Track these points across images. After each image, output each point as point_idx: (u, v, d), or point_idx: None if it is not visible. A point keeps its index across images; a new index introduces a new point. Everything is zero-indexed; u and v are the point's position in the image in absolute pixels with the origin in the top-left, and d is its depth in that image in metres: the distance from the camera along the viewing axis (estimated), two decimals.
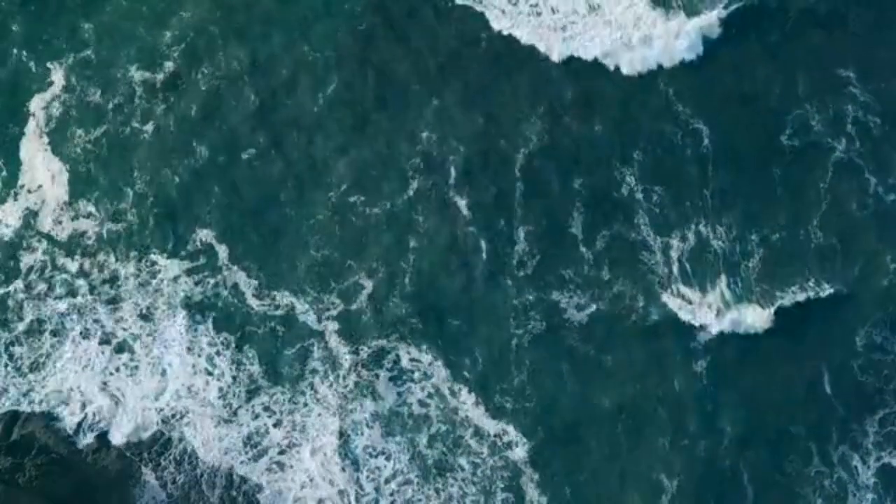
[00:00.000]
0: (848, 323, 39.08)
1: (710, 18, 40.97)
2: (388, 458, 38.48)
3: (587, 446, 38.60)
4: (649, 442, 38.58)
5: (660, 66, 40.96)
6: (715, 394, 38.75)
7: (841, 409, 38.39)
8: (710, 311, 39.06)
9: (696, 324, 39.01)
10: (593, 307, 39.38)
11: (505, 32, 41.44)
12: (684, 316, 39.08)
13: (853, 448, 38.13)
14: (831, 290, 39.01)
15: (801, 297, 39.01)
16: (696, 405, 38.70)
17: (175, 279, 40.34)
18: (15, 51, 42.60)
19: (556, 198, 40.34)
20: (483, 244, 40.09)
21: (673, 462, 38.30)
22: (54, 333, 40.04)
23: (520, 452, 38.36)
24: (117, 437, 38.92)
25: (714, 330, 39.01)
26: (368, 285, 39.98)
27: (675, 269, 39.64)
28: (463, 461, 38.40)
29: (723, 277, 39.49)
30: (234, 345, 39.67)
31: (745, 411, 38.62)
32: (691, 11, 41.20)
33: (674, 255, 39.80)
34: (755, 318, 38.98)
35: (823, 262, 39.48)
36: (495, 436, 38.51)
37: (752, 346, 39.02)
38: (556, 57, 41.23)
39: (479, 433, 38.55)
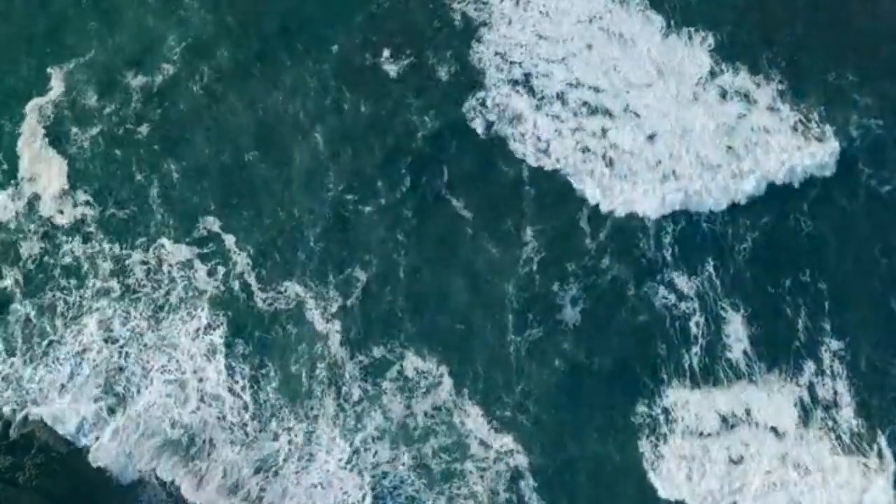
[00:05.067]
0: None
1: None
2: (393, 464, 38.60)
3: (585, 449, 38.69)
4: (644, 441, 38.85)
5: None
6: None
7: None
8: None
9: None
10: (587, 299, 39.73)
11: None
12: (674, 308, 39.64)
13: None
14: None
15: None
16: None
17: (184, 265, 40.48)
18: (16, 50, 43.05)
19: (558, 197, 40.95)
20: (481, 242, 40.47)
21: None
22: (57, 328, 40.04)
23: (520, 459, 38.54)
24: (120, 436, 38.78)
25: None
26: (367, 286, 40.22)
27: (668, 255, 40.12)
28: (468, 467, 38.58)
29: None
30: (235, 344, 39.87)
31: None
32: None
33: (666, 241, 40.37)
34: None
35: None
36: (498, 446, 38.70)
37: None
38: None
39: (483, 442, 38.67)
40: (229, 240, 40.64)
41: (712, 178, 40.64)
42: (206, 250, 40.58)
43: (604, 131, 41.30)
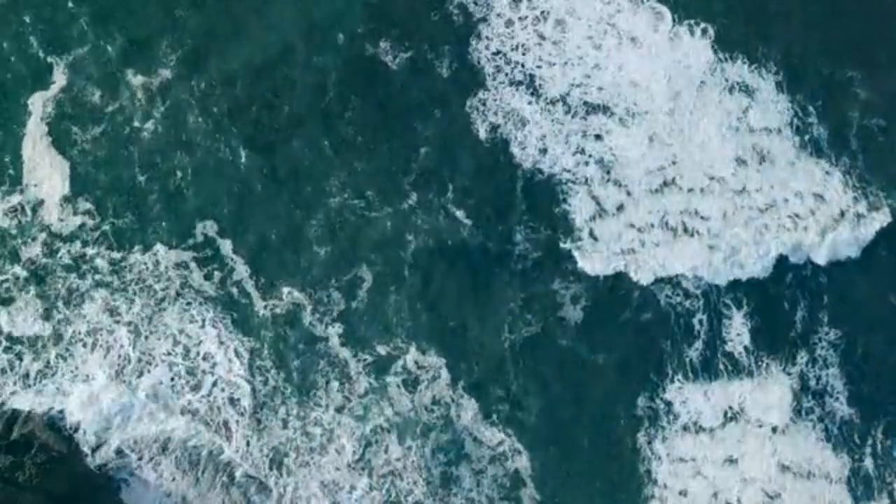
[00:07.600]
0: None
1: None
2: (397, 465, 38.68)
3: (584, 450, 39.00)
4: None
5: None
6: None
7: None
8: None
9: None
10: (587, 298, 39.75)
11: None
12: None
13: None
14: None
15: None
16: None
17: (180, 266, 40.18)
18: (17, 49, 42.44)
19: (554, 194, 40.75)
20: (481, 239, 40.37)
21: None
22: (58, 326, 39.75)
23: (522, 461, 38.74)
24: (120, 434, 38.73)
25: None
26: (370, 284, 40.08)
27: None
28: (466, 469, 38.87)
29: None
30: (238, 345, 39.74)
31: None
32: None
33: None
34: None
35: None
36: (496, 442, 39.02)
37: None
38: None
39: (478, 441, 38.94)
40: (226, 244, 40.30)
41: (716, 189, 40.63)
42: (203, 254, 40.24)
43: (604, 133, 41.12)
